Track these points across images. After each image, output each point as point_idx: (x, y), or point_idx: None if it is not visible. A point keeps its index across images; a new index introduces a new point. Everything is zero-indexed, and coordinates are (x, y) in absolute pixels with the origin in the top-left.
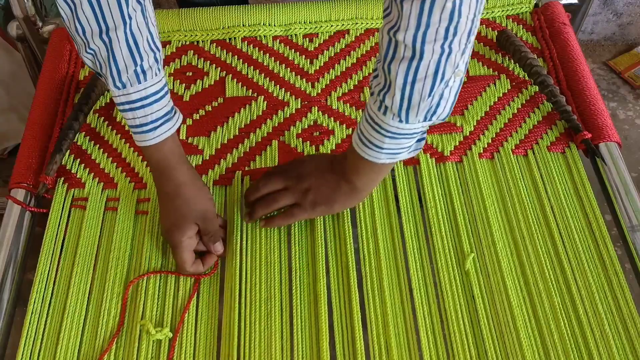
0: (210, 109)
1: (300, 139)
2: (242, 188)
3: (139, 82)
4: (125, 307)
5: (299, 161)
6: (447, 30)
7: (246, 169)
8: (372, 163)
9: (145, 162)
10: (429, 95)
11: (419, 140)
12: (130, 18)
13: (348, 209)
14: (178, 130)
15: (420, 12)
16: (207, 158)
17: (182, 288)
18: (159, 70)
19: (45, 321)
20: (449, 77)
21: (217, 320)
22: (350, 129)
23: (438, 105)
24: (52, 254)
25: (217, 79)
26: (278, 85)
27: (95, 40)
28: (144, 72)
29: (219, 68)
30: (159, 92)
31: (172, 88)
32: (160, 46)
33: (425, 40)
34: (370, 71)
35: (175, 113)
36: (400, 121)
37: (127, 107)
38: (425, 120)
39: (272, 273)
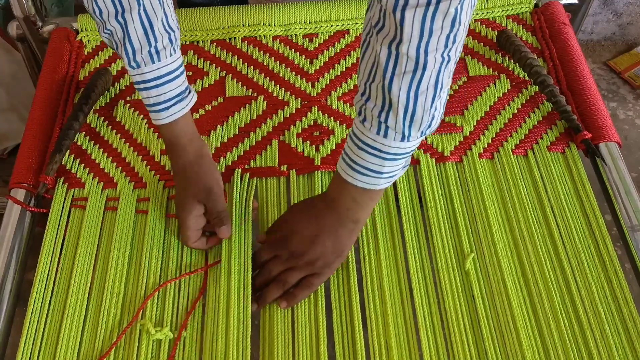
0: (210, 108)
1: (300, 138)
2: (242, 186)
3: (153, 62)
4: (138, 315)
5: (285, 239)
6: (447, 38)
7: (246, 167)
8: (370, 191)
9: (145, 162)
10: (431, 107)
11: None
12: None
13: None
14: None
15: (423, 20)
16: None
17: (183, 288)
18: (174, 50)
19: (45, 321)
20: (447, 85)
21: (217, 320)
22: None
23: (433, 116)
24: (52, 254)
25: (217, 78)
26: (278, 85)
27: (111, 21)
28: (157, 52)
29: (219, 68)
30: (173, 72)
31: None
32: (176, 27)
33: (429, 49)
34: None
35: (189, 93)
36: (402, 139)
37: (141, 85)
38: (422, 134)
39: None
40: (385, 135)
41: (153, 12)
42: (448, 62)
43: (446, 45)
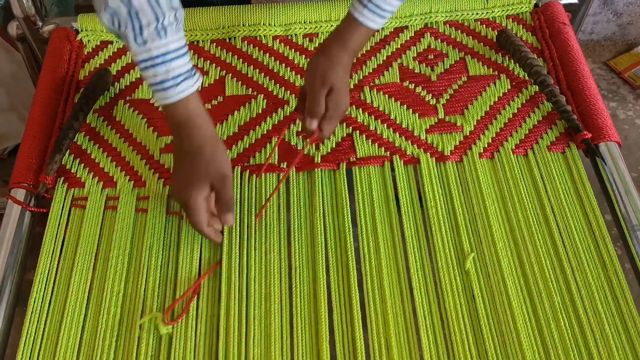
0: (209, 107)
1: (300, 136)
2: (242, 183)
3: (160, 38)
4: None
5: (308, 84)
6: None
7: (245, 164)
8: (372, 31)
9: (145, 161)
10: None
11: None
12: None
13: (348, 209)
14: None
15: None
16: None
17: (180, 287)
18: (179, 28)
19: (45, 321)
20: None
21: (217, 319)
22: (350, 127)
23: None
24: (52, 254)
25: (217, 78)
26: (278, 84)
27: None
28: (164, 28)
29: (219, 67)
30: (180, 49)
31: None
32: (178, 5)
33: None
34: (371, 71)
35: (195, 73)
36: None
37: (148, 64)
38: None
39: (272, 271)
40: None
41: None
42: None
43: None
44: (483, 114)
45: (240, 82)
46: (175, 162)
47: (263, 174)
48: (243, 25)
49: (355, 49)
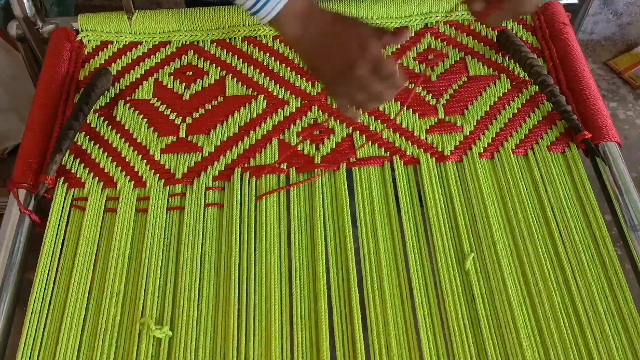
0: (210, 107)
1: (300, 137)
2: (242, 185)
3: None
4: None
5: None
6: None
7: (246, 165)
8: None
9: (145, 162)
10: None
11: None
12: None
13: (348, 210)
14: (177, 129)
15: None
16: (207, 155)
17: (180, 286)
18: None
19: (45, 321)
20: None
21: (217, 320)
22: (350, 127)
23: None
24: (52, 254)
25: (217, 78)
26: (278, 85)
27: None
28: None
29: (219, 67)
30: None
31: (172, 87)
32: None
33: None
34: None
35: None
36: None
37: None
38: None
39: (272, 272)
40: None
41: None
42: None
43: None
44: (483, 114)
45: (240, 82)
46: (308, 54)
47: (263, 175)
48: (243, 25)
49: None
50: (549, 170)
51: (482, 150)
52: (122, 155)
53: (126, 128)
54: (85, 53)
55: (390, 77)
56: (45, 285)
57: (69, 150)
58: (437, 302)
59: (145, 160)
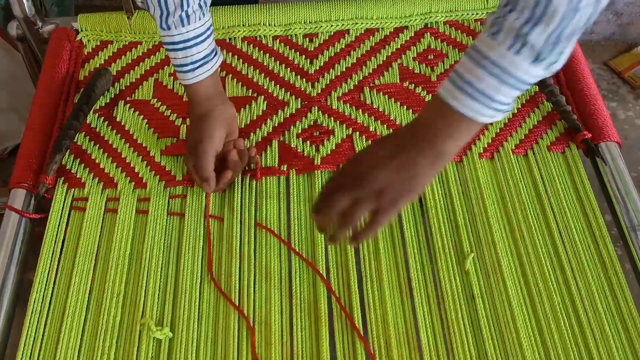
0: None
1: (300, 138)
2: (242, 187)
3: (183, 26)
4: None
5: (355, 161)
6: None
7: (246, 168)
8: (468, 121)
9: (145, 162)
10: (583, 26)
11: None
12: None
13: None
14: (177, 130)
15: None
16: None
17: (181, 287)
18: (203, 15)
19: (45, 321)
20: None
21: (217, 321)
22: (350, 129)
23: (569, 41)
24: (52, 254)
25: None
26: (278, 85)
27: None
28: (188, 16)
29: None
30: (200, 36)
31: (172, 88)
32: None
33: None
34: (370, 71)
35: (215, 55)
36: (535, 61)
37: (169, 47)
38: (550, 64)
39: (272, 273)
40: (519, 52)
41: None
42: None
43: None
44: None
45: (240, 83)
46: (190, 126)
47: (263, 177)
48: (243, 25)
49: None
50: (549, 170)
51: (482, 151)
52: (123, 155)
53: (126, 128)
54: (85, 53)
55: (205, 180)
56: (45, 285)
57: (69, 150)
58: (437, 302)
59: (145, 162)
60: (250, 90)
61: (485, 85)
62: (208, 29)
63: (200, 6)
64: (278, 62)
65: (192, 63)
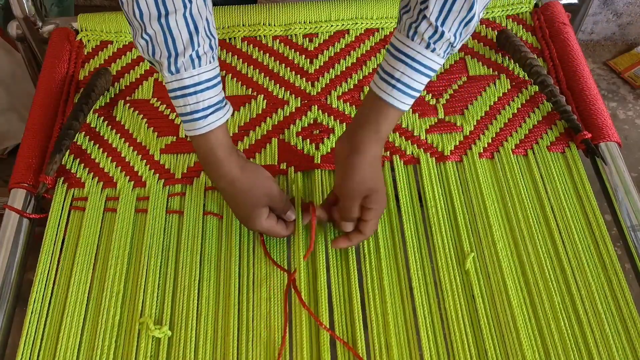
0: None
1: (300, 137)
2: None
3: (194, 68)
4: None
5: (337, 193)
6: None
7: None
8: (396, 110)
9: (145, 162)
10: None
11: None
12: (190, 2)
13: None
14: (177, 129)
15: None
16: None
17: (180, 286)
18: (213, 58)
19: (45, 321)
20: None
21: (216, 319)
22: None
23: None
24: (52, 254)
25: None
26: (278, 85)
27: (152, 24)
28: (199, 57)
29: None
30: (213, 79)
31: None
32: (215, 34)
33: None
34: (370, 71)
35: (225, 104)
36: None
37: (178, 93)
38: (457, 36)
39: (272, 272)
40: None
41: (199, 15)
42: None
43: None
44: (483, 114)
45: (240, 82)
46: (222, 195)
47: None
48: (243, 25)
49: (387, 135)
50: (549, 170)
51: (482, 150)
52: (122, 155)
53: (126, 128)
54: (85, 53)
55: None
56: (45, 285)
57: (69, 150)
58: (437, 301)
59: (145, 160)
60: (250, 89)
61: (406, 77)
62: (218, 74)
63: (211, 47)
64: (278, 61)
65: (203, 109)
